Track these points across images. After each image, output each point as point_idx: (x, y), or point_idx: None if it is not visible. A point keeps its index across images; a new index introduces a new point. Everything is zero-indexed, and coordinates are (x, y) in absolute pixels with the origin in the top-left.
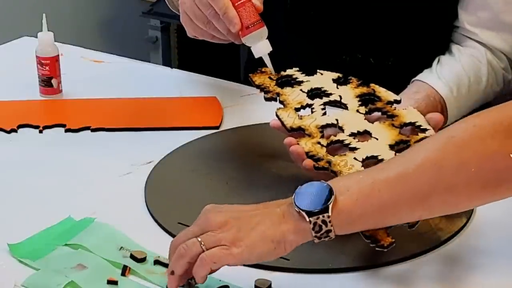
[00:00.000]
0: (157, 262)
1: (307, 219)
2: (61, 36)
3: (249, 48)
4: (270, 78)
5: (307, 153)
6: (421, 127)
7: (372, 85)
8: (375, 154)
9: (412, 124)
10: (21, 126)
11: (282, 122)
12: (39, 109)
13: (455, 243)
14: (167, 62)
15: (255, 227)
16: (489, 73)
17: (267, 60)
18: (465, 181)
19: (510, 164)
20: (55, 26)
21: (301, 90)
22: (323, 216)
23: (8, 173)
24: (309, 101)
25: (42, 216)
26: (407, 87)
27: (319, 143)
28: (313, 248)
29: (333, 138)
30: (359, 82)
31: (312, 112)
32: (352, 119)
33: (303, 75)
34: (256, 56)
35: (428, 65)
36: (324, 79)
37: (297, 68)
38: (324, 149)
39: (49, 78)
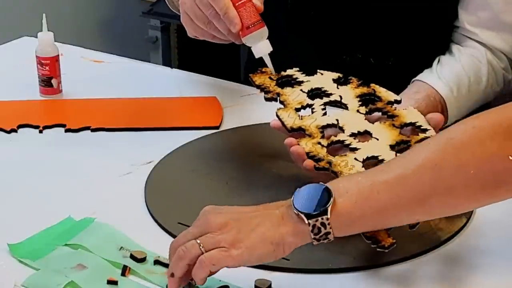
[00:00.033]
0: (157, 262)
1: (306, 221)
2: (61, 36)
3: (249, 48)
4: (270, 78)
5: (307, 154)
6: (422, 127)
7: (372, 85)
8: (375, 155)
9: (412, 124)
10: (21, 126)
11: (282, 123)
12: (39, 109)
13: (455, 243)
14: (167, 62)
15: (255, 228)
16: (489, 73)
17: (268, 60)
18: (464, 183)
19: (509, 166)
20: (55, 26)
21: (301, 90)
22: (322, 219)
23: (8, 173)
24: (310, 101)
25: (42, 216)
26: (407, 87)
27: (319, 143)
28: (313, 248)
29: (333, 138)
30: (360, 82)
31: (312, 112)
32: (353, 119)
33: (303, 75)
34: (257, 56)
35: (428, 65)
36: (324, 79)
37: (297, 68)
38: (325, 149)
39: (49, 78)
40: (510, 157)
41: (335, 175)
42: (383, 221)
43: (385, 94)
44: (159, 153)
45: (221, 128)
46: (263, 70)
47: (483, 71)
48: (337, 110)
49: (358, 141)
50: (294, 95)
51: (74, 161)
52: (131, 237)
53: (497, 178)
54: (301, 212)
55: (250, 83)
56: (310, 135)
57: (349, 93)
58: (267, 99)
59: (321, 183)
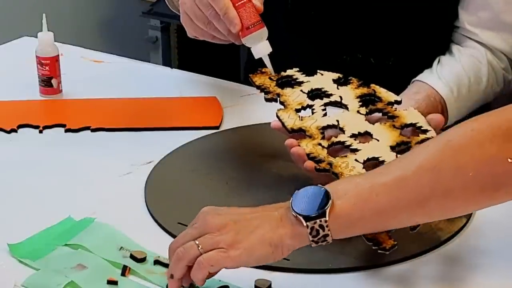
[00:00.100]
0: (157, 262)
1: (304, 224)
2: (61, 36)
3: (249, 48)
4: (270, 78)
5: (308, 155)
6: (422, 128)
7: (372, 85)
8: (376, 156)
9: (413, 125)
10: (21, 126)
11: (282, 124)
12: (39, 109)
13: (455, 243)
14: (167, 62)
15: (254, 230)
16: (489, 74)
17: (267, 61)
18: (463, 185)
19: (508, 169)
20: (55, 26)
21: (301, 90)
22: (320, 221)
23: (8, 173)
24: (310, 102)
25: (42, 216)
26: (407, 88)
27: (320, 144)
28: (313, 248)
29: (334, 139)
30: (360, 83)
31: (312, 113)
32: (353, 120)
33: (303, 75)
34: (256, 57)
35: (428, 65)
36: (324, 79)
37: (297, 69)
38: (325, 150)
39: (49, 78)
40: (509, 160)
41: (336, 176)
42: (382, 223)
43: (386, 94)
44: (159, 153)
45: (221, 128)
46: (263, 70)
47: (483, 72)
48: (337, 110)
49: (359, 142)
50: (294, 96)
51: (74, 161)
52: (131, 237)
53: (496, 180)
54: (300, 214)
55: (250, 83)
56: (310, 136)
57: (349, 93)
58: (267, 100)
59: (319, 185)
